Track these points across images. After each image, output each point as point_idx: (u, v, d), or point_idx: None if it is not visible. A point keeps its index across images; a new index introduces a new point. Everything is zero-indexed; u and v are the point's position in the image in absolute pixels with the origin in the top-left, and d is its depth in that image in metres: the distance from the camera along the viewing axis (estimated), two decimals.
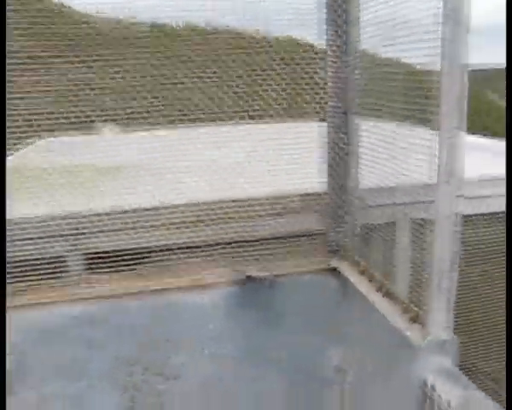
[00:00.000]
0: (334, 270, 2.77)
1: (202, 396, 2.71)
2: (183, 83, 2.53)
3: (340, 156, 2.74)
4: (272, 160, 2.65)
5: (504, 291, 2.76)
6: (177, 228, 2.65)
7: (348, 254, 2.77)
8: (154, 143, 2.53)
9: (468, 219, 2.97)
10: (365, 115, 2.57)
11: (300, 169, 2.63)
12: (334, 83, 2.68)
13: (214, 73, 2.57)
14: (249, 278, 2.68)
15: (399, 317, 2.22)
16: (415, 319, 2.16)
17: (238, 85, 2.60)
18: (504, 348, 1.90)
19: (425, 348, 2.04)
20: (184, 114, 2.56)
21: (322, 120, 2.73)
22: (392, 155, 2.31)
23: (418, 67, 2.16)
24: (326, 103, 2.70)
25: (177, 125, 2.54)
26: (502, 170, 2.84)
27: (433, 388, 2.00)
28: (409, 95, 2.22)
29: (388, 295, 2.39)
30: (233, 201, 2.67)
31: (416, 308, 2.15)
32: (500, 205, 2.90)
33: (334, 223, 2.80)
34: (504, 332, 1.92)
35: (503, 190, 2.18)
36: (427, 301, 2.03)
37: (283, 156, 2.61)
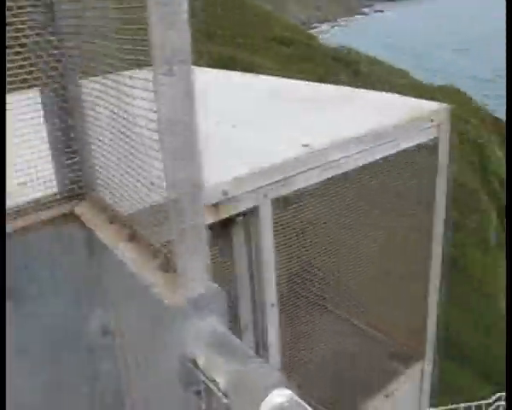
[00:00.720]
0: (76, 218, 2.26)
1: None
2: None
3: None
4: None
5: None
6: None
7: (93, 198, 2.29)
8: None
9: None
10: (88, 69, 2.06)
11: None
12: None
13: None
14: None
15: (155, 270, 1.80)
16: (170, 270, 1.71)
17: None
18: None
19: (186, 306, 1.58)
20: None
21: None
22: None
23: None
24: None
25: None
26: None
27: (196, 361, 1.51)
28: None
29: (142, 244, 1.95)
30: None
31: (170, 258, 1.71)
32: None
33: None
34: None
35: None
36: (184, 249, 1.62)
37: None
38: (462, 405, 18.37)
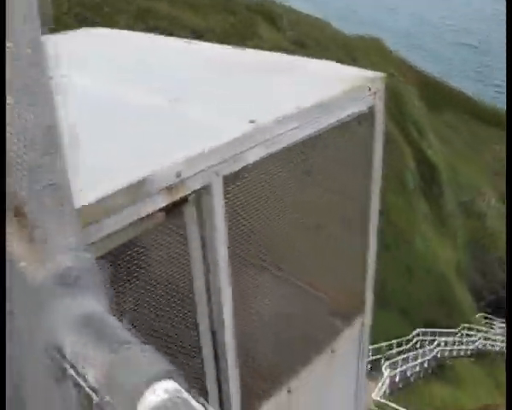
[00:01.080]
0: None
1: None
2: None
3: None
4: None
5: None
6: None
7: None
8: None
9: None
10: None
11: None
12: None
13: None
14: None
15: (21, 240, 1.44)
16: (36, 241, 1.38)
17: None
18: None
19: (50, 283, 1.30)
20: None
21: None
22: None
23: None
24: None
25: None
26: None
27: (63, 350, 1.20)
28: None
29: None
30: None
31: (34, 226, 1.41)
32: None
33: None
34: None
35: None
36: (45, 215, 1.35)
37: None
38: (384, 343, 19.49)
